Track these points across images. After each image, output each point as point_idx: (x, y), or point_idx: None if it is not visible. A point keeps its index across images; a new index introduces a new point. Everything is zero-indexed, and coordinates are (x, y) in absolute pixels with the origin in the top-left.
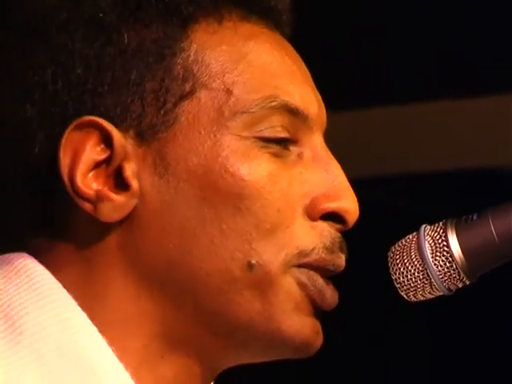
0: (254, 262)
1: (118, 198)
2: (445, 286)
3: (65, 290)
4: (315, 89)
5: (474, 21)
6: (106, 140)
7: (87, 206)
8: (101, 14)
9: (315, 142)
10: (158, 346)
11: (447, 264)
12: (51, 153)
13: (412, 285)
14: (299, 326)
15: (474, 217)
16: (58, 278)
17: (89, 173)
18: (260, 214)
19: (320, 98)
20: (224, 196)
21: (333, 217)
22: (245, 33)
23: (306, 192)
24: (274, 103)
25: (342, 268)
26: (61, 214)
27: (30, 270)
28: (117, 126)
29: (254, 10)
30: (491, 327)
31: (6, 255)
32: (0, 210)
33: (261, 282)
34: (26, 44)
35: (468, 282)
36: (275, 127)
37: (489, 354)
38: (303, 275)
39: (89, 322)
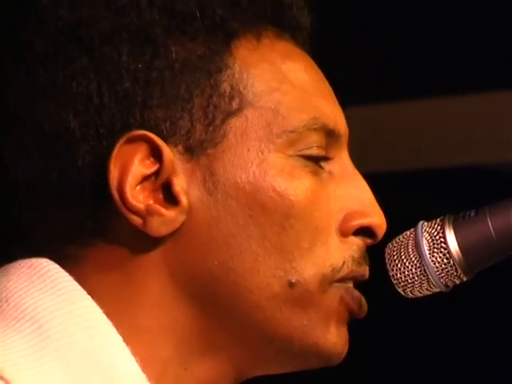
0: (294, 280)
1: (168, 212)
2: (442, 283)
3: (89, 297)
4: (340, 108)
5: (474, 17)
6: (155, 154)
7: (136, 220)
8: (147, 27)
9: (343, 158)
10: (183, 357)
11: (445, 260)
12: (96, 164)
13: (409, 281)
14: (336, 338)
15: (472, 213)
16: (86, 285)
17: (136, 186)
18: (302, 233)
19: (343, 113)
20: (270, 214)
21: (363, 232)
22: (281, 51)
23: (340, 209)
24: (316, 125)
25: (367, 277)
26: (100, 224)
27: (54, 275)
28: (166, 140)
29: (286, 28)
30: (483, 325)
31: (27, 260)
32: (34, 214)
33: (301, 299)
34: (69, 53)
35: (465, 279)
36: (313, 146)
37: (480, 352)
38: (341, 289)
39: (114, 330)
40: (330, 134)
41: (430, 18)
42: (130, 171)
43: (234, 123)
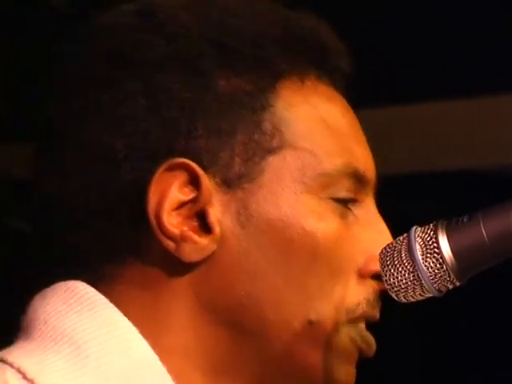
0: (313, 319)
1: (201, 240)
2: (435, 288)
3: (126, 318)
4: (371, 153)
5: (471, 21)
6: (194, 182)
7: (170, 244)
8: (198, 58)
9: (370, 203)
10: (209, 379)
11: (437, 266)
12: (136, 186)
13: (402, 286)
14: (346, 377)
15: (465, 219)
16: (119, 304)
17: (173, 211)
18: (325, 274)
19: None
20: (298, 252)
21: (380, 276)
22: (322, 94)
23: (362, 251)
24: (349, 170)
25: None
26: (136, 244)
27: (90, 298)
28: (205, 170)
29: (328, 72)
30: (476, 330)
31: (64, 283)
32: (71, 233)
33: (317, 338)
34: (118, 76)
35: (458, 284)
36: (344, 190)
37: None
38: (353, 330)
39: (150, 349)
40: (360, 179)
41: (430, 22)
42: (168, 197)
43: (272, 161)
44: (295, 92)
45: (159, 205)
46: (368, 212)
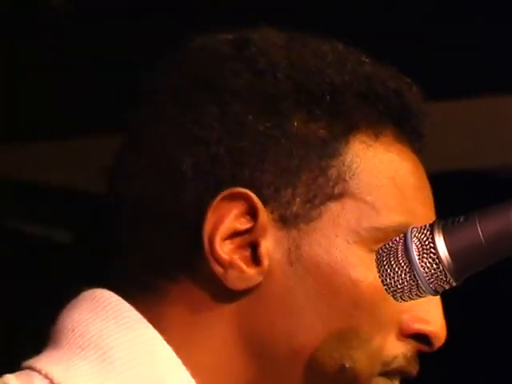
0: (347, 366)
1: (248, 270)
2: (431, 288)
3: (150, 325)
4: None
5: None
6: (252, 213)
7: (218, 269)
8: (278, 96)
9: None
10: None
11: (434, 266)
12: (197, 206)
13: (399, 286)
14: None
15: (461, 219)
16: (157, 319)
17: (226, 238)
18: (365, 325)
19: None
20: (341, 299)
21: (421, 337)
22: (396, 152)
23: (407, 309)
24: (403, 229)
25: (414, 375)
26: (188, 262)
27: (117, 306)
28: (264, 204)
29: (406, 132)
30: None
31: (91, 291)
32: (129, 239)
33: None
34: (199, 99)
35: (454, 284)
36: None
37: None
38: (384, 382)
39: (175, 355)
40: None
41: (426, 23)
42: (224, 223)
43: (331, 207)
44: (368, 146)
45: (214, 229)
46: None
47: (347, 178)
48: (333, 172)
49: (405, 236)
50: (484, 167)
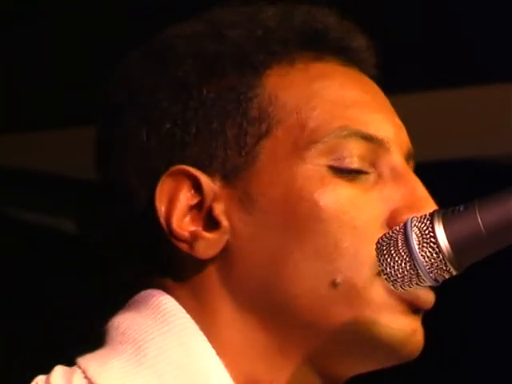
0: (338, 280)
1: (211, 235)
2: (431, 277)
3: (188, 315)
4: (393, 115)
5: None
6: (197, 186)
7: (184, 246)
8: (183, 76)
9: (394, 161)
10: (266, 369)
11: (434, 255)
12: (150, 203)
13: (399, 275)
14: (394, 329)
15: (461, 208)
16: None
17: (185, 217)
18: (338, 234)
19: (399, 122)
20: (303, 222)
21: None
22: (316, 72)
23: (388, 207)
24: (345, 132)
25: None
26: (168, 258)
27: (157, 300)
28: (204, 171)
29: (326, 52)
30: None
31: (144, 292)
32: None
33: (348, 296)
34: (122, 108)
35: (455, 273)
36: (350, 156)
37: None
38: (387, 283)
39: (208, 344)
40: (369, 139)
41: (422, 13)
42: (176, 205)
43: (265, 144)
44: (283, 77)
45: (168, 213)
46: (393, 170)
47: (270, 112)
48: (254, 113)
49: (405, 225)
50: (484, 156)
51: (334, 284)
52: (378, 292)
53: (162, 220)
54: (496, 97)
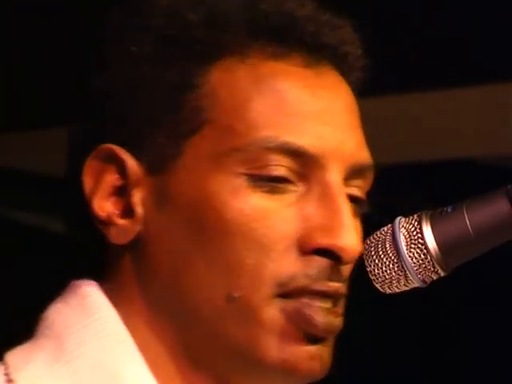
0: (235, 295)
1: (123, 222)
2: (419, 278)
3: (112, 309)
4: (345, 127)
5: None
6: (122, 167)
7: (102, 229)
8: (136, 48)
9: (327, 179)
10: (177, 370)
11: (422, 256)
12: (77, 175)
13: (387, 277)
14: (285, 355)
15: (449, 209)
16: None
17: (108, 198)
18: (242, 251)
19: (350, 135)
20: (209, 232)
21: (328, 253)
22: (266, 71)
23: (302, 227)
24: (271, 144)
25: (334, 294)
26: (97, 242)
27: (84, 291)
28: (135, 155)
29: (294, 48)
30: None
31: (74, 282)
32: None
33: (243, 313)
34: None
35: (442, 274)
36: (272, 166)
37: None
38: (289, 304)
39: (130, 338)
40: (298, 154)
41: (421, 12)
42: (101, 185)
43: (193, 141)
44: (231, 71)
45: (92, 192)
46: (323, 188)
47: (206, 108)
48: (191, 107)
49: (393, 226)
50: (472, 156)
51: (230, 298)
52: (272, 314)
53: (87, 198)
54: (496, 97)
